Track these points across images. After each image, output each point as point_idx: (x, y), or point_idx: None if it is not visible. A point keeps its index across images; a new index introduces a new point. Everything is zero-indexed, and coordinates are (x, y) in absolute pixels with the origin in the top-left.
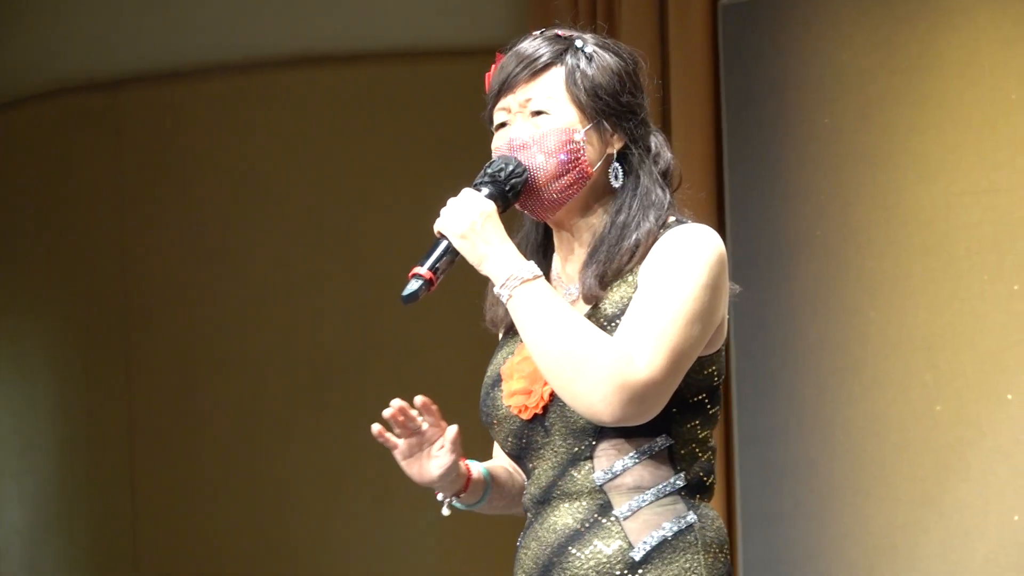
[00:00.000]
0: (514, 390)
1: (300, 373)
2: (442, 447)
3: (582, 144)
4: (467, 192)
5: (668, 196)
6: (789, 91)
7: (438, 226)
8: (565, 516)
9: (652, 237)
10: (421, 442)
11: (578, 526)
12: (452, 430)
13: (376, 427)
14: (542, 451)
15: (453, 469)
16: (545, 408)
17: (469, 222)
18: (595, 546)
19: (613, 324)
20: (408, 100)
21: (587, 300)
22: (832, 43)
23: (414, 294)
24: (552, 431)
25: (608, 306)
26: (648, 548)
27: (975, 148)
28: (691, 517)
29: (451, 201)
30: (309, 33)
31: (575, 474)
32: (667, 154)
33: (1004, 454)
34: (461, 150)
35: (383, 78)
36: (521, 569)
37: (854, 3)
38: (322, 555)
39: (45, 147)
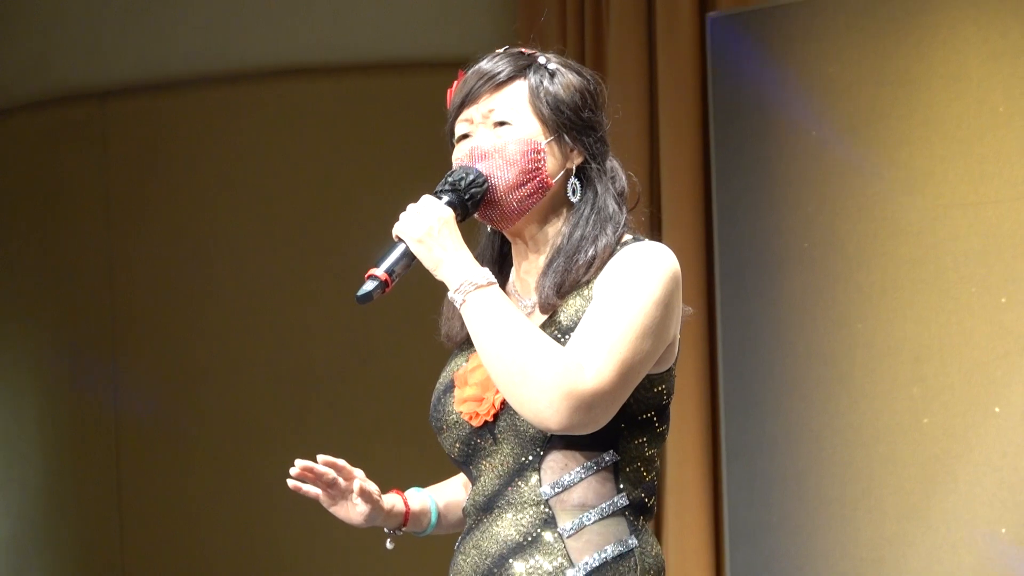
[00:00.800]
0: (466, 397)
1: (286, 383)
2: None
3: (543, 155)
4: (426, 199)
5: (624, 213)
6: (777, 103)
7: (396, 230)
8: (508, 527)
9: (608, 251)
10: (340, 490)
11: (521, 539)
12: (356, 483)
13: (291, 482)
14: (489, 459)
15: (378, 512)
16: (496, 416)
17: (427, 227)
18: (536, 560)
19: (567, 336)
20: (393, 111)
21: (543, 310)
22: (820, 56)
23: (368, 295)
24: (501, 439)
25: (563, 318)
26: (588, 569)
27: (962, 161)
28: (632, 542)
29: (410, 207)
30: (294, 45)
31: (521, 485)
32: (623, 176)
33: (991, 467)
34: (445, 161)
35: (368, 89)
36: (458, 574)
37: (842, 16)
38: (308, 565)
39: (33, 157)
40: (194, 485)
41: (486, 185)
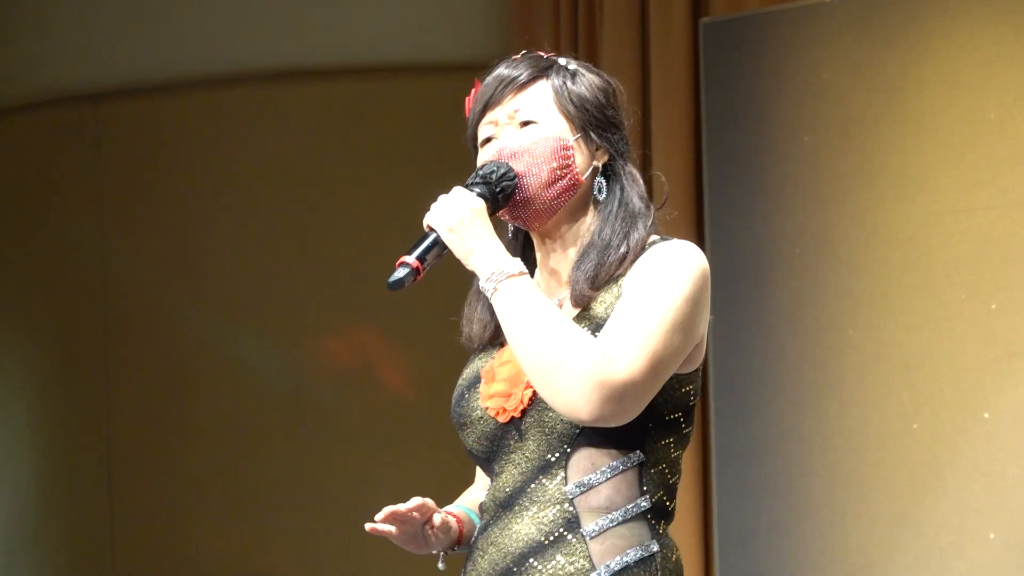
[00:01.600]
0: (493, 392)
1: (278, 386)
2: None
3: (573, 152)
4: (458, 190)
5: (652, 211)
6: (770, 109)
7: (428, 219)
8: (529, 525)
9: (639, 247)
10: (414, 527)
11: (542, 538)
12: (438, 517)
13: (369, 526)
14: (513, 455)
15: (445, 539)
16: (523, 412)
17: (458, 216)
18: (557, 561)
19: (599, 330)
20: (387, 115)
21: (575, 303)
22: (813, 62)
23: (400, 281)
24: (527, 436)
25: (596, 312)
26: (610, 572)
27: (954, 168)
28: (654, 547)
29: (442, 197)
30: (287, 48)
31: (545, 482)
32: (641, 180)
33: (981, 472)
34: (440, 165)
35: (362, 93)
36: (475, 570)
37: (835, 23)
38: (300, 566)
39: (26, 158)
40: (185, 488)
41: (516, 180)
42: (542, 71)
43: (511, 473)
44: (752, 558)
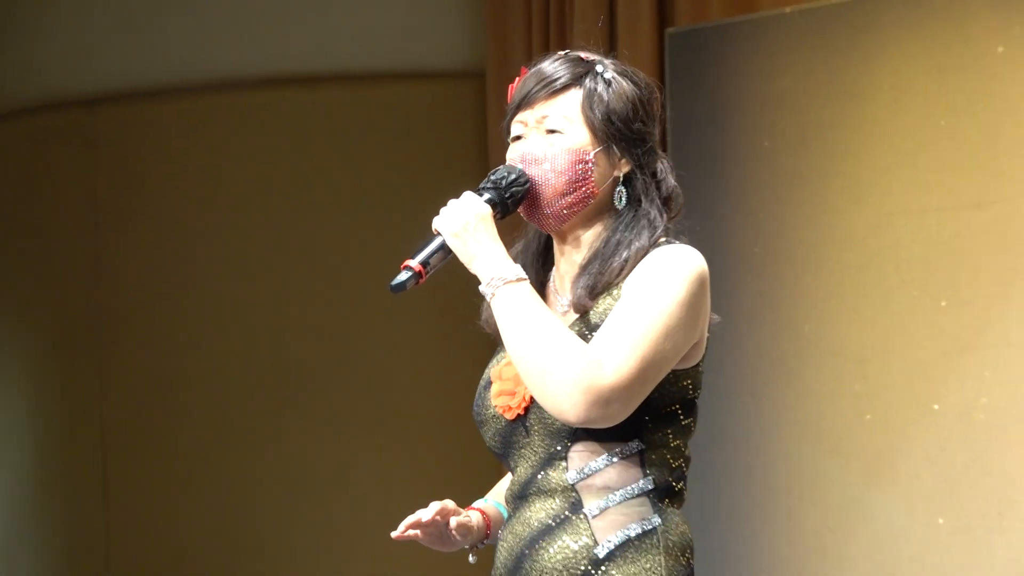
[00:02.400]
0: (500, 391)
1: (266, 380)
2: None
3: (591, 166)
4: (468, 195)
5: (664, 220)
6: (731, 115)
7: (435, 223)
8: (539, 512)
9: (642, 253)
10: (438, 528)
11: (550, 521)
12: (453, 520)
13: (395, 534)
14: (523, 450)
15: (471, 536)
16: (526, 409)
17: (463, 222)
18: (563, 541)
19: (595, 333)
20: (371, 120)
21: (576, 309)
22: (773, 70)
23: (402, 284)
24: (532, 431)
25: (593, 316)
26: (612, 547)
27: (906, 171)
28: (656, 520)
29: (451, 202)
30: (277, 55)
31: (551, 473)
32: (671, 181)
33: (930, 461)
34: (422, 168)
35: (344, 99)
36: (498, 559)
37: (794, 33)
38: (288, 553)
39: (23, 161)
40: (177, 477)
41: (527, 185)
42: (577, 78)
43: (523, 467)
44: (712, 541)
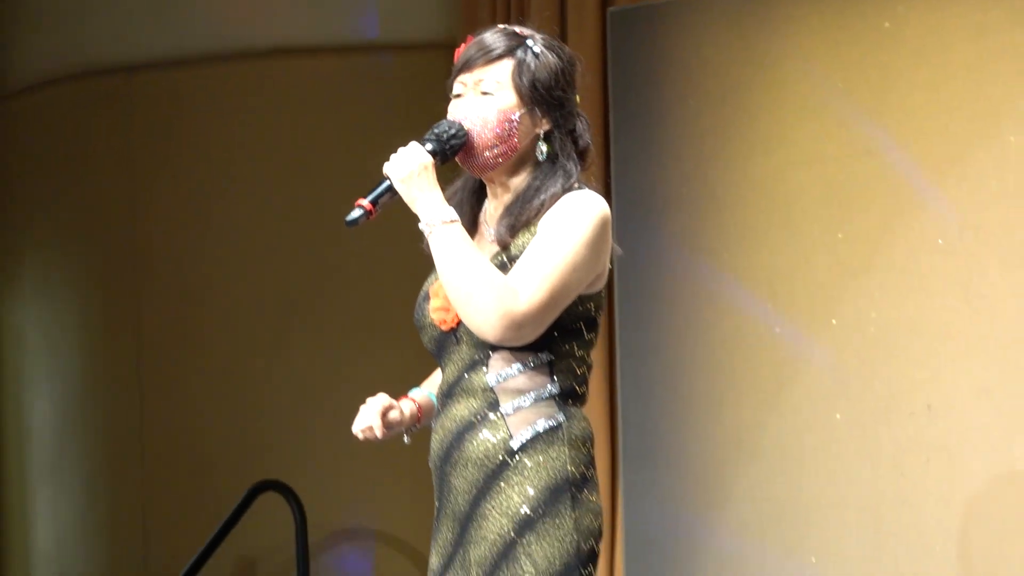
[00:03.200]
0: (436, 307)
1: (276, 297)
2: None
3: (516, 124)
4: (413, 145)
5: (578, 169)
6: (663, 80)
7: (386, 168)
8: (463, 409)
9: (555, 198)
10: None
11: (472, 418)
12: (393, 414)
13: (359, 435)
14: (453, 355)
15: (404, 424)
16: (458, 323)
17: (409, 170)
18: (484, 435)
19: (513, 263)
20: (364, 90)
21: (499, 243)
22: (700, 41)
23: (355, 220)
24: (462, 341)
25: (514, 249)
26: (524, 440)
27: (809, 125)
28: (560, 417)
29: (400, 150)
30: (299, 26)
31: (473, 376)
32: (587, 138)
33: (828, 366)
34: (398, 130)
35: (341, 69)
36: (432, 450)
37: (716, 11)
38: (290, 442)
39: (66, 124)
40: (202, 382)
41: (465, 138)
42: (511, 50)
43: (451, 369)
44: (648, 437)
